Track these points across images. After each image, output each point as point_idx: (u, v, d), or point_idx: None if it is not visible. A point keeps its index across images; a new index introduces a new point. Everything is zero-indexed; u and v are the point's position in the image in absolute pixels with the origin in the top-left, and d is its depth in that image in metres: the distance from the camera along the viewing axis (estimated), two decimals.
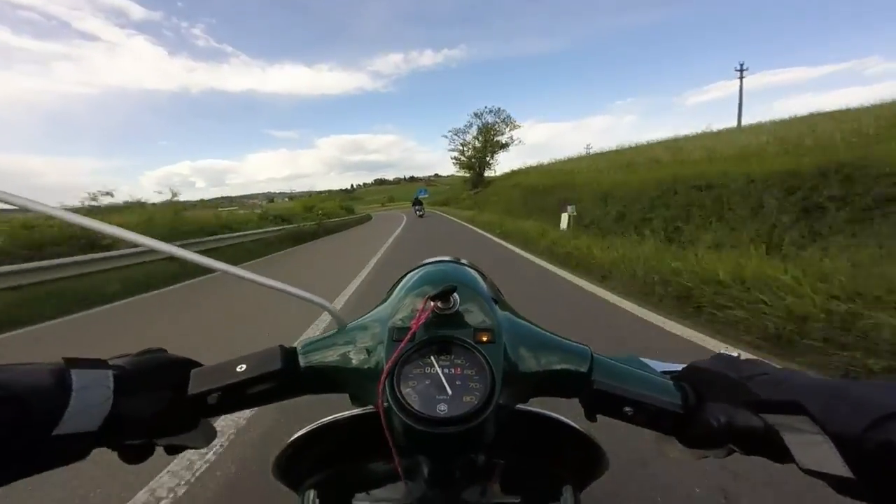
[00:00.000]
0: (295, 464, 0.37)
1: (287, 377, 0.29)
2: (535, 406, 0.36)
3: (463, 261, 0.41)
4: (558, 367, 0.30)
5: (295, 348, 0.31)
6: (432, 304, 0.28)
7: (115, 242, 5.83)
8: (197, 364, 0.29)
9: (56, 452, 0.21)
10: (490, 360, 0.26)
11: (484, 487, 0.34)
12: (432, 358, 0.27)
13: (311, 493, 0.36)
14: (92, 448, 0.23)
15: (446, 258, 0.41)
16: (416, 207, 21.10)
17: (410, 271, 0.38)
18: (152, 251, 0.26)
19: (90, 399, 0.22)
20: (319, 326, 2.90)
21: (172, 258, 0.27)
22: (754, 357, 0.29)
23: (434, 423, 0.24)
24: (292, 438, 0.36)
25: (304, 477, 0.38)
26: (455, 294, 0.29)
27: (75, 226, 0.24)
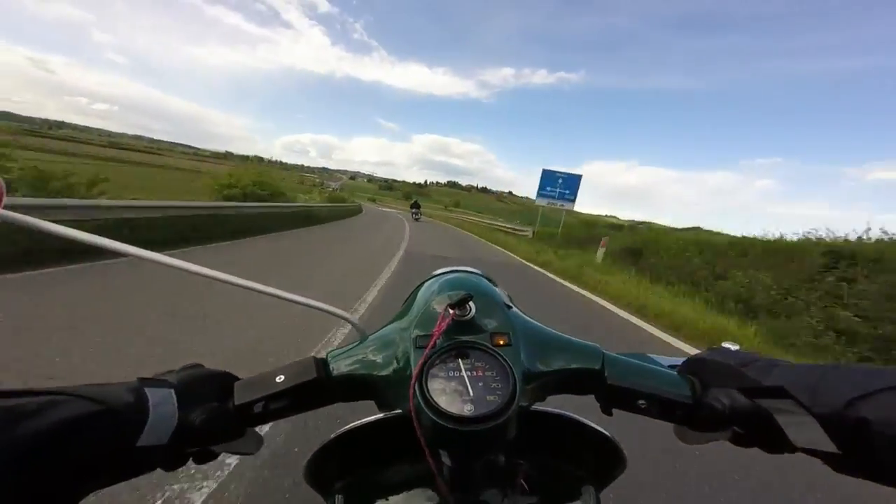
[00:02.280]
0: (325, 468, 0.39)
1: (321, 386, 0.32)
2: (553, 406, 0.39)
3: (475, 270, 0.45)
4: (572, 365, 0.33)
5: (326, 358, 0.34)
6: (451, 311, 0.31)
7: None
8: (234, 376, 0.32)
9: (137, 463, 0.24)
10: (509, 361, 0.29)
11: (504, 489, 0.35)
12: (455, 362, 0.29)
13: (339, 498, 0.39)
14: (160, 461, 0.26)
15: (458, 268, 0.45)
16: (414, 211, 23.97)
17: (425, 282, 0.42)
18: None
19: (162, 415, 0.25)
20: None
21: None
22: (749, 352, 0.33)
23: (463, 421, 0.26)
24: (323, 443, 0.38)
25: (332, 481, 0.40)
26: (471, 302, 0.32)
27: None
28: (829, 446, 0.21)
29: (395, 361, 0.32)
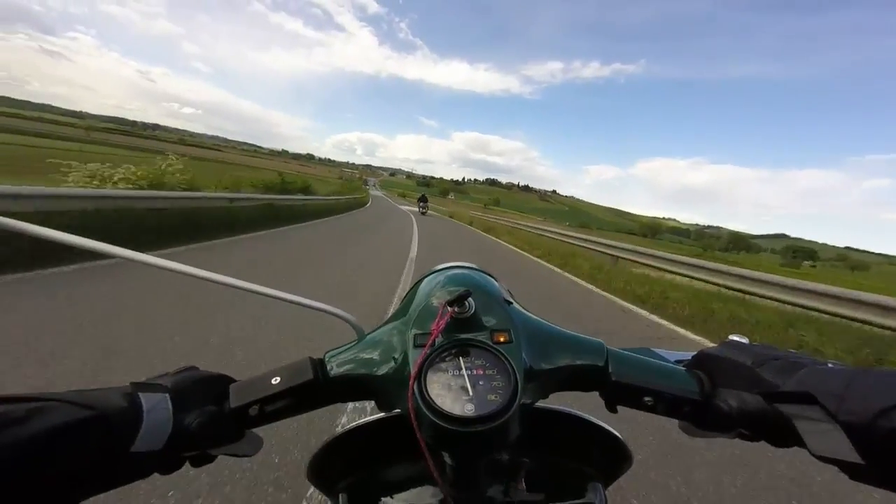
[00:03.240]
0: (327, 468, 0.39)
1: (318, 387, 0.31)
2: (557, 403, 0.38)
3: (473, 266, 0.44)
4: (575, 362, 0.32)
5: (323, 359, 0.33)
6: (450, 309, 0.31)
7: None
8: (230, 378, 0.32)
9: (131, 469, 0.24)
10: (510, 359, 0.28)
11: (509, 487, 0.35)
12: (454, 361, 0.29)
13: (343, 497, 0.39)
14: (157, 466, 0.26)
15: (456, 264, 0.44)
16: (421, 205, 24.46)
17: (423, 279, 0.42)
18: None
19: (157, 420, 0.25)
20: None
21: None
22: (763, 343, 0.31)
23: (463, 422, 0.25)
24: (324, 443, 0.38)
25: (336, 481, 0.40)
26: (470, 298, 0.31)
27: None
28: (854, 457, 0.21)
29: (393, 361, 0.32)
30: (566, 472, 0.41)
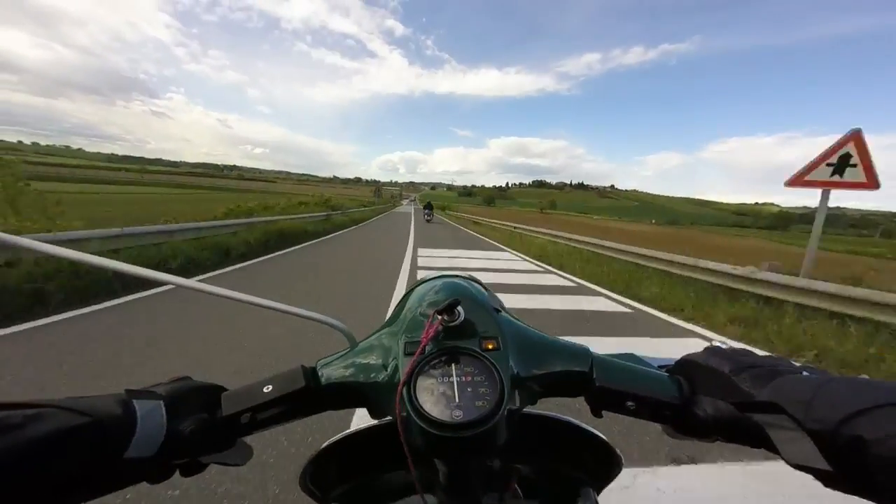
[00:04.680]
0: (320, 476, 0.39)
1: (310, 395, 0.32)
2: (546, 410, 0.39)
3: (463, 274, 0.46)
4: (561, 368, 0.33)
5: (315, 367, 0.35)
6: (439, 317, 0.32)
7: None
8: (223, 388, 0.33)
9: (124, 475, 0.25)
10: (497, 366, 0.30)
11: (501, 493, 0.36)
12: (443, 368, 0.30)
13: None
14: (150, 472, 0.27)
15: (447, 273, 0.46)
16: (427, 212, 24.25)
17: (414, 288, 0.43)
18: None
19: (151, 427, 0.26)
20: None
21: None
22: (743, 347, 0.33)
23: (451, 428, 0.27)
24: (316, 452, 0.38)
25: (328, 490, 0.40)
26: (459, 307, 0.33)
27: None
28: (822, 464, 0.22)
29: (384, 368, 0.33)
30: (558, 478, 0.42)
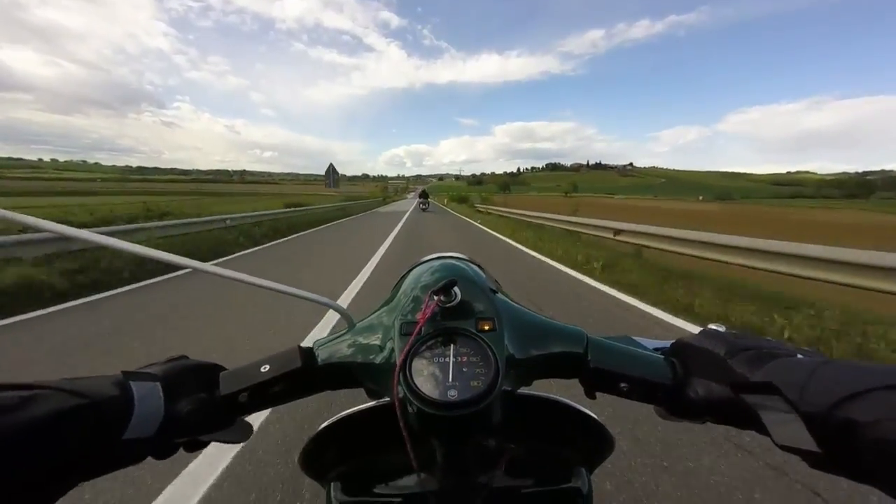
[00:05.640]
0: (319, 456, 0.41)
1: (307, 375, 0.33)
2: (540, 390, 0.40)
3: (460, 255, 0.47)
4: (556, 349, 0.34)
5: (312, 348, 0.36)
6: (436, 298, 0.33)
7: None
8: (221, 367, 0.34)
9: (123, 455, 0.26)
10: (492, 346, 0.30)
11: (496, 472, 0.37)
12: (439, 348, 0.31)
13: (336, 485, 0.41)
14: (150, 452, 0.27)
15: (444, 254, 0.47)
16: (421, 200, 23.64)
17: (412, 269, 0.44)
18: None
19: (148, 408, 0.26)
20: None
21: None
22: (739, 331, 0.32)
23: (446, 406, 0.27)
24: (315, 432, 0.39)
25: (327, 469, 0.41)
26: (456, 287, 0.33)
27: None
28: (811, 445, 0.22)
29: (380, 349, 0.34)
30: (552, 458, 0.43)
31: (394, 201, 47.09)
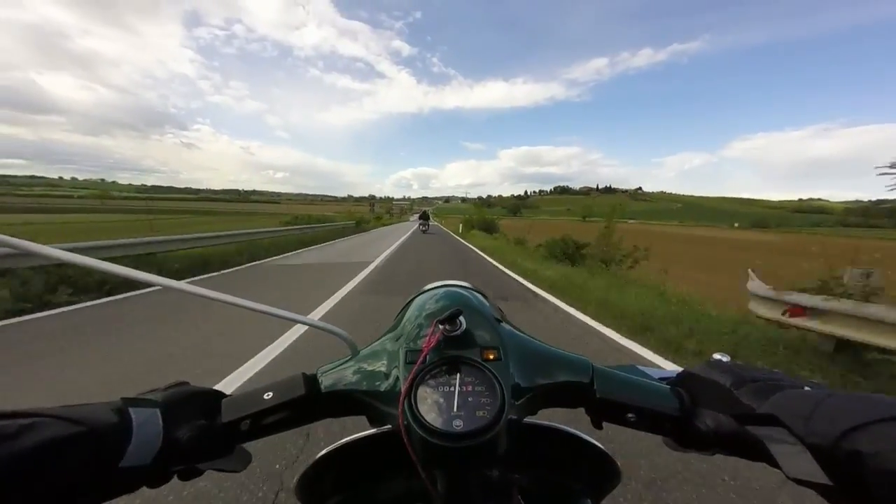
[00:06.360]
0: (316, 485, 0.40)
1: (310, 402, 0.33)
2: (545, 420, 0.39)
3: (465, 284, 0.47)
4: (562, 379, 0.34)
5: (315, 375, 0.35)
6: (441, 327, 0.33)
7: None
8: (222, 394, 0.33)
9: (119, 484, 0.25)
10: (498, 376, 0.30)
11: (501, 503, 0.36)
12: (444, 378, 0.31)
13: None
14: (145, 481, 0.27)
15: (449, 283, 0.47)
16: (422, 222, 23.49)
17: (416, 297, 0.44)
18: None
19: (147, 435, 0.26)
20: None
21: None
22: (744, 362, 0.33)
23: (451, 437, 0.27)
24: (314, 459, 0.38)
25: (325, 498, 0.40)
26: (461, 317, 0.33)
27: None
28: (822, 478, 0.22)
29: (385, 377, 0.34)
30: (557, 489, 0.42)
31: (384, 225, 34.62)
